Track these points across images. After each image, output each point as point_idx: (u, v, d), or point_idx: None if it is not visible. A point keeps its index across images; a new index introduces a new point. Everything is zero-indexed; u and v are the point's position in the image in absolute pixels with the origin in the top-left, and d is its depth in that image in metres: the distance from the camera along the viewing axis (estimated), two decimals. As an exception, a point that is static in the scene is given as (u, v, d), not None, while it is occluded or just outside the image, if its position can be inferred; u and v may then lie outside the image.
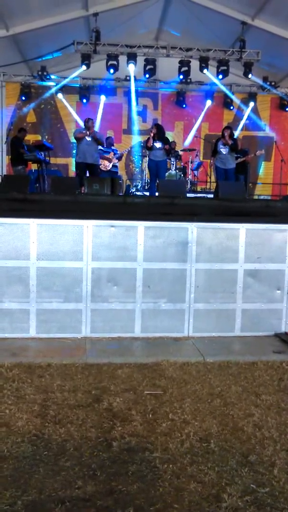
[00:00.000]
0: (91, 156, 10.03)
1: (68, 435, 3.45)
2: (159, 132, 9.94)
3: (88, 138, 9.85)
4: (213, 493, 2.82)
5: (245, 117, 15.28)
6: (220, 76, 12.50)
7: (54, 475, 2.97)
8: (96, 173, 10.19)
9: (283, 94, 15.09)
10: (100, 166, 10.79)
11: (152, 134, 9.81)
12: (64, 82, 14.28)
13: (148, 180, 11.62)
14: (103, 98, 14.82)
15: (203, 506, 2.71)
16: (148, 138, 9.93)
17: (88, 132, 9.88)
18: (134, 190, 12.32)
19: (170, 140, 11.24)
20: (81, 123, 13.20)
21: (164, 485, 2.88)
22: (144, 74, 12.64)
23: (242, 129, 15.38)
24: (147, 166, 11.18)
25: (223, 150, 9.93)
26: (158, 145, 9.85)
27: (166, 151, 10.08)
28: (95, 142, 10.07)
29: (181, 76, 12.61)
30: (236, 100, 15.18)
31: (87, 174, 10.04)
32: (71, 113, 15.02)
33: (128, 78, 14.12)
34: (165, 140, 10.12)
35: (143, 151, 12.72)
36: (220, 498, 2.77)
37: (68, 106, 14.89)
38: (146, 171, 12.52)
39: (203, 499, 2.77)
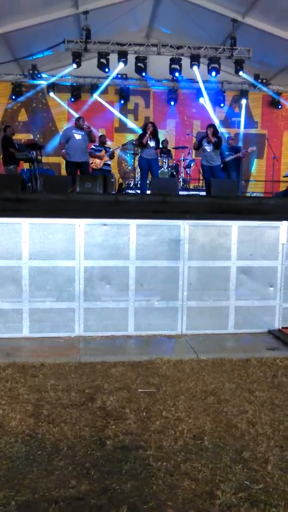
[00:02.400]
0: (81, 155, 9.97)
1: (62, 435, 3.44)
2: (155, 131, 9.91)
3: (78, 137, 9.80)
4: (207, 490, 2.82)
5: (242, 116, 15.31)
6: (214, 73, 12.42)
7: (48, 474, 2.96)
8: (86, 171, 10.14)
9: (273, 93, 15.10)
10: (92, 165, 10.73)
11: (149, 132, 9.75)
12: (53, 79, 14.26)
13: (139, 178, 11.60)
14: (95, 96, 14.80)
15: (197, 503, 2.72)
16: (144, 135, 9.82)
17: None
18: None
19: (162, 139, 11.22)
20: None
21: (158, 483, 2.88)
22: (140, 73, 12.60)
23: (234, 127, 15.39)
24: (138, 164, 11.08)
25: (207, 148, 9.94)
26: (152, 143, 9.81)
27: (156, 151, 10.08)
28: (87, 139, 10.03)
29: (177, 74, 12.55)
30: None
31: (78, 173, 9.98)
32: (63, 111, 14.98)
33: (119, 76, 14.12)
34: (157, 140, 10.08)
35: (135, 149, 12.68)
36: (214, 495, 2.77)
37: (61, 103, 14.86)
38: (139, 169, 12.49)
39: (196, 496, 2.77)
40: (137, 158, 12.59)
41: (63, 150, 9.98)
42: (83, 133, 9.88)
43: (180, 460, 3.13)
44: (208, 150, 9.95)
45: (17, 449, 3.24)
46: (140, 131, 10.72)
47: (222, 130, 14.65)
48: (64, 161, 10.31)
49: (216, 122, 14.31)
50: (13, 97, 14.63)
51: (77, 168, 9.94)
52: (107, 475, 2.96)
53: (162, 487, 2.85)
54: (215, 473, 3.00)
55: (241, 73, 12.61)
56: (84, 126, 9.96)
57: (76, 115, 14.58)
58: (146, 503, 2.71)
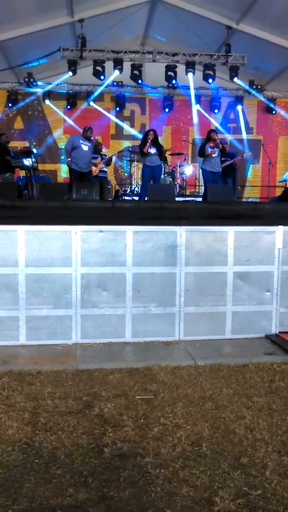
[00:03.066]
0: (87, 165, 10.04)
1: (59, 443, 3.42)
2: (155, 138, 9.91)
3: (86, 148, 9.84)
4: (206, 497, 2.81)
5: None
6: (210, 80, 12.50)
7: (45, 483, 2.94)
8: (88, 180, 10.18)
9: (267, 100, 15.17)
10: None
11: (149, 140, 9.75)
12: (49, 87, 14.30)
13: (138, 185, 11.62)
14: (91, 103, 14.86)
15: (195, 510, 2.70)
16: (144, 145, 9.80)
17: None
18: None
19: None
20: (72, 129, 13.26)
21: (156, 490, 2.87)
22: (136, 80, 12.66)
23: (230, 133, 15.47)
24: (141, 171, 11.05)
25: (214, 154, 9.86)
26: (153, 150, 9.80)
27: (159, 155, 10.07)
28: (93, 150, 10.12)
29: (174, 81, 12.60)
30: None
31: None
32: (58, 119, 15.04)
33: (115, 83, 14.19)
34: (158, 145, 10.09)
35: (131, 155, 12.70)
36: (213, 501, 2.76)
37: (57, 111, 14.93)
38: (135, 176, 12.52)
39: (195, 503, 2.76)
40: (133, 165, 12.64)
41: (69, 159, 10.00)
42: (90, 144, 9.93)
43: (179, 467, 3.12)
44: (214, 156, 9.87)
45: (14, 457, 3.22)
46: (137, 137, 10.71)
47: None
48: (62, 167, 10.35)
49: (217, 126, 14.40)
50: (9, 104, 14.68)
51: (81, 177, 9.97)
52: (105, 483, 2.95)
53: (161, 495, 2.83)
54: (214, 479, 2.99)
55: (236, 79, 12.67)
56: (92, 138, 10.03)
57: (72, 122, 14.70)
58: (144, 511, 2.69)
